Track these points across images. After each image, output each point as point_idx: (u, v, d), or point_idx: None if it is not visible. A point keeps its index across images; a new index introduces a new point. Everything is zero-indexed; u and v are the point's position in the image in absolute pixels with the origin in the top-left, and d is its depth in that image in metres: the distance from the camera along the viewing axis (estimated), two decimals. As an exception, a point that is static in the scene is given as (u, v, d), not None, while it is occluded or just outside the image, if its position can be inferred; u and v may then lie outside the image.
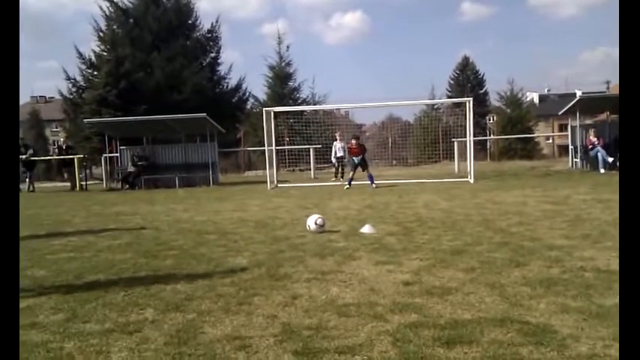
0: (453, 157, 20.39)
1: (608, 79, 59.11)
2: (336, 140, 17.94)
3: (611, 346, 2.65)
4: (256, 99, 33.75)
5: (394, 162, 27.51)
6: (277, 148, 17.64)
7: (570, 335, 2.80)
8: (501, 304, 3.37)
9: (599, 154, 15.75)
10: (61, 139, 20.67)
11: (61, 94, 29.51)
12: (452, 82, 53.13)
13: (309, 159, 20.68)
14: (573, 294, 3.51)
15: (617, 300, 3.35)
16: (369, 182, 13.38)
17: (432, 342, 2.78)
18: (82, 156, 18.87)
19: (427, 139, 26.93)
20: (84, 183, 18.10)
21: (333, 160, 17.94)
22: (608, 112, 19.69)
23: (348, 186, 13.49)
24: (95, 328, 3.25)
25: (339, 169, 17.40)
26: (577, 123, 17.75)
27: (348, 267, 4.61)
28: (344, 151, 17.29)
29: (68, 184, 18.49)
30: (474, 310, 3.28)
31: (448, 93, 50.36)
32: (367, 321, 3.16)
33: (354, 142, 13.82)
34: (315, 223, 6.46)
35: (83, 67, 29.03)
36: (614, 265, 4.27)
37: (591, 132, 16.57)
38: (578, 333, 2.83)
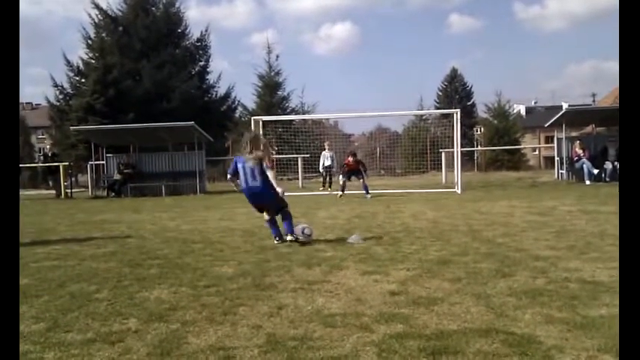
0: (441, 168, 20.50)
1: (594, 91, 59.90)
2: (324, 150, 17.69)
3: (595, 357, 2.66)
4: (245, 108, 33.79)
5: (382, 172, 27.59)
6: (265, 157, 17.60)
7: (555, 346, 2.79)
8: (487, 315, 3.36)
9: (584, 166, 15.92)
10: (47, 147, 20.46)
11: (48, 101, 29.35)
12: (440, 93, 53.60)
13: (298, 168, 20.68)
14: (558, 305, 3.52)
15: (601, 311, 3.37)
16: (364, 192, 13.42)
17: (418, 352, 2.76)
18: (67, 163, 18.71)
19: (415, 150, 27.08)
20: (69, 191, 17.94)
21: (321, 169, 17.69)
22: (593, 125, 19.93)
23: (341, 194, 13.56)
24: (77, 338, 3.19)
25: (327, 179, 17.21)
26: (563, 135, 17.94)
27: (335, 277, 4.59)
28: (332, 161, 17.19)
29: (53, 191, 18.31)
30: (460, 320, 3.27)
31: (436, 104, 50.77)
32: (353, 331, 3.13)
33: (351, 159, 13.80)
34: (303, 233, 6.44)
35: (71, 74, 28.94)
36: (600, 276, 4.30)
37: (577, 144, 16.76)
38: (562, 344, 2.83)
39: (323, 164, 17.44)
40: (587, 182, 15.48)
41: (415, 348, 2.82)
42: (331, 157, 17.25)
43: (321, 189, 16.87)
